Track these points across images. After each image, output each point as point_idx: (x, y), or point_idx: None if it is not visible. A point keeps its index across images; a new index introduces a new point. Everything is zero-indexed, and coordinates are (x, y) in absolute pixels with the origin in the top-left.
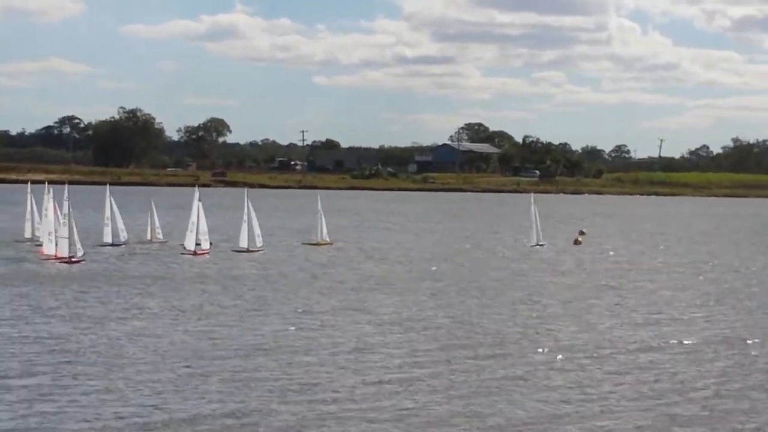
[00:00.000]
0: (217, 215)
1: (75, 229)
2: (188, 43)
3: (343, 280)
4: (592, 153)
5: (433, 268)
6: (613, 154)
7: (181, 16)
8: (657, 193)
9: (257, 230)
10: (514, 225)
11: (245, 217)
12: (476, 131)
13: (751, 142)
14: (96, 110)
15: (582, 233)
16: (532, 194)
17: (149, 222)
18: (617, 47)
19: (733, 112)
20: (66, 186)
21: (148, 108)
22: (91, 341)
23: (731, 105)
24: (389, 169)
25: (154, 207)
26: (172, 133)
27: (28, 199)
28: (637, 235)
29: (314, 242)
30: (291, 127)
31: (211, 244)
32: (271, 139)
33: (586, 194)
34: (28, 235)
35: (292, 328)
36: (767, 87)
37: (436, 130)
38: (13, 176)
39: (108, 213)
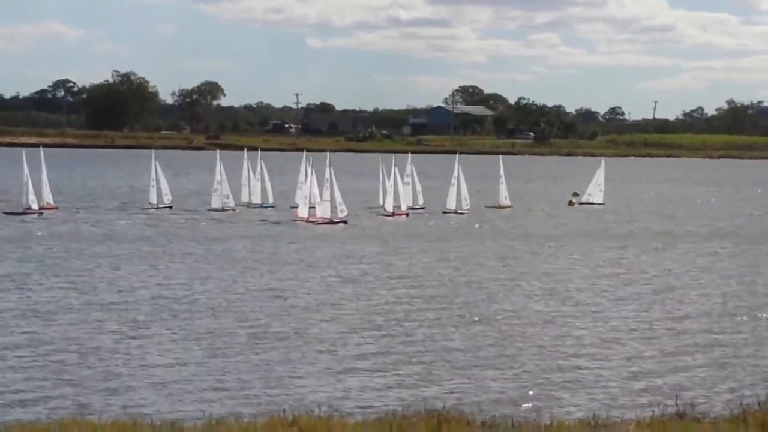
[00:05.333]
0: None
1: (337, 193)
2: (184, 4)
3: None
4: (586, 115)
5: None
6: (607, 116)
7: None
8: (651, 155)
9: (465, 193)
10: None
11: (453, 181)
12: (470, 94)
13: (746, 103)
14: (92, 73)
15: (576, 195)
16: (603, 159)
17: (380, 188)
18: (613, 9)
19: (728, 73)
20: (328, 153)
21: (143, 71)
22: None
23: (726, 67)
24: (383, 131)
25: (383, 173)
26: (167, 96)
27: (218, 166)
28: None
29: (497, 205)
30: (285, 89)
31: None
32: (265, 102)
33: (580, 156)
34: (216, 204)
35: None
36: (762, 48)
37: (431, 92)
38: (7, 140)
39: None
